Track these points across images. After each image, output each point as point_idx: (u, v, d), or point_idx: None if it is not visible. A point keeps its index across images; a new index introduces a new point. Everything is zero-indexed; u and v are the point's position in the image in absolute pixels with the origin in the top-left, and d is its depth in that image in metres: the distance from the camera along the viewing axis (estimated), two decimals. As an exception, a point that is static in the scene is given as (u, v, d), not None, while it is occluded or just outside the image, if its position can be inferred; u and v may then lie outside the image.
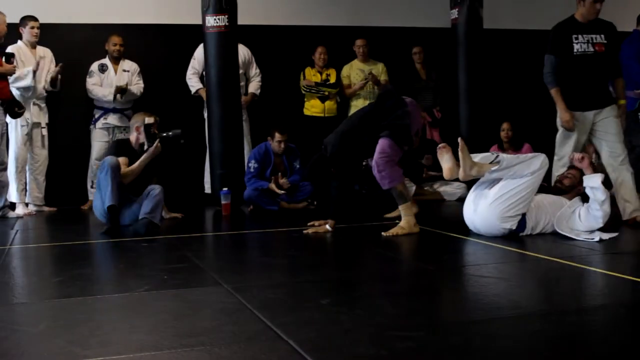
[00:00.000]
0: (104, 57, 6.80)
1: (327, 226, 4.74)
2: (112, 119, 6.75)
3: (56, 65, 6.44)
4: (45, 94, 6.48)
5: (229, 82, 6.30)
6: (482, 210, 4.34)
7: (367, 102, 6.97)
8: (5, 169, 5.93)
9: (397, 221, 4.75)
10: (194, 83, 6.95)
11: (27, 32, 6.32)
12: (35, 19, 6.33)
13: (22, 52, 6.26)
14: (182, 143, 5.41)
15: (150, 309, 2.80)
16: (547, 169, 4.32)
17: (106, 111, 6.75)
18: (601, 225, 4.26)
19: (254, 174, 6.16)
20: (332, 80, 7.19)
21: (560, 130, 4.99)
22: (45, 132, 6.46)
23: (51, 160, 6.57)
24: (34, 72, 6.12)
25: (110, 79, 6.71)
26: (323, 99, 7.16)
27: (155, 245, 4.46)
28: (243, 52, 6.86)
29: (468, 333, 2.39)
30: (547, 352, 2.18)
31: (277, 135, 6.15)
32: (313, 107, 7.20)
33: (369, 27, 7.69)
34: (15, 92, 6.08)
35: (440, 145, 4.35)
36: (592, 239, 4.15)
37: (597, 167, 4.90)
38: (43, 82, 6.40)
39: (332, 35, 7.50)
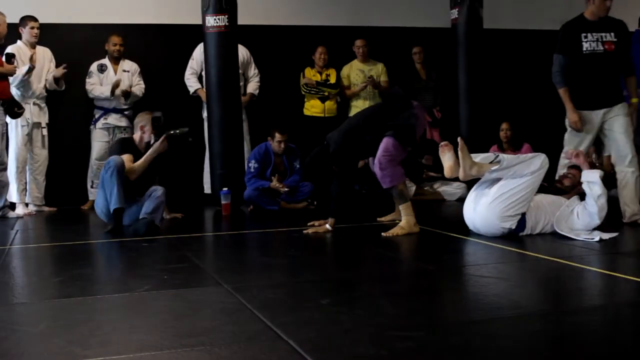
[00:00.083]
0: (104, 57, 6.79)
1: (327, 225, 4.74)
2: (113, 119, 6.74)
3: (57, 66, 6.45)
4: (45, 94, 6.48)
5: (229, 82, 6.30)
6: (482, 209, 4.34)
7: (367, 103, 7.00)
8: (5, 169, 5.92)
9: (397, 221, 4.75)
10: (192, 83, 6.95)
11: (26, 32, 6.31)
12: (35, 19, 6.32)
13: (21, 52, 6.25)
14: (190, 141, 5.36)
15: (150, 309, 2.80)
16: (547, 169, 4.31)
17: (106, 111, 6.74)
18: (598, 221, 4.25)
19: (254, 174, 6.16)
20: (332, 80, 7.19)
21: (569, 129, 4.94)
22: (45, 132, 6.46)
23: (51, 160, 6.57)
24: (31, 68, 6.11)
25: (109, 78, 6.70)
26: (323, 99, 7.16)
27: (155, 245, 4.46)
28: (242, 52, 6.85)
29: (468, 333, 2.39)
30: (547, 352, 2.19)
31: (277, 135, 6.15)
32: (313, 107, 7.20)
33: (369, 27, 7.69)
34: (15, 92, 6.09)
35: (442, 144, 4.35)
36: (592, 239, 4.15)
37: (597, 167, 4.90)
38: (43, 82, 6.40)
39: (332, 35, 7.50)
